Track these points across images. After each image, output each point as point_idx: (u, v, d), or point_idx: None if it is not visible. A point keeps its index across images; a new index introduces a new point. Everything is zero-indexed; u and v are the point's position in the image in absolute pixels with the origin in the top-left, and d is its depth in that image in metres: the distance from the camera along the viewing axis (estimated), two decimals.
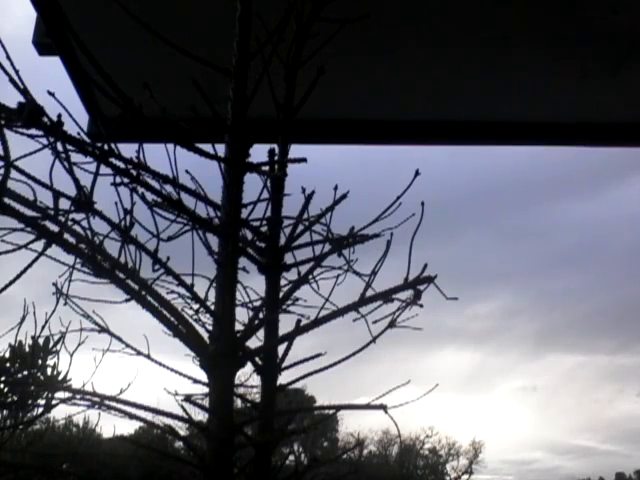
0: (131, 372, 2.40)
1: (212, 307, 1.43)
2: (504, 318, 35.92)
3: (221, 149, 1.41)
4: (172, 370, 1.47)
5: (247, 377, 1.58)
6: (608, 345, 38.72)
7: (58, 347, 3.66)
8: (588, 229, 37.71)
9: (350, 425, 26.95)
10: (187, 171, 1.45)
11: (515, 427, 37.81)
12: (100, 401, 1.37)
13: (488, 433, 36.82)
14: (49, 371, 3.68)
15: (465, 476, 24.96)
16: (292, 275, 1.58)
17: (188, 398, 1.44)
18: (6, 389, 3.73)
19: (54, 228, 1.18)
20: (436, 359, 33.60)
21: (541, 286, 36.15)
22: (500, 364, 35.58)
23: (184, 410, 1.43)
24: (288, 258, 1.59)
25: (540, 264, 35.96)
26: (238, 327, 1.43)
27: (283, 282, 1.57)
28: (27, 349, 3.64)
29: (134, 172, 1.27)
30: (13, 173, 1.11)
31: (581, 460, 35.07)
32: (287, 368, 1.52)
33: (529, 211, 34.54)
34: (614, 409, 35.02)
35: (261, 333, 1.50)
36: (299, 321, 1.47)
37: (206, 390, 1.39)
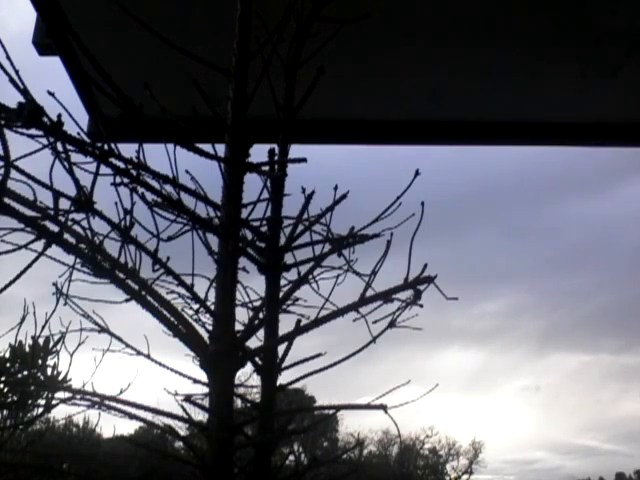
0: (131, 372, 2.41)
1: (212, 307, 1.43)
2: (508, 317, 35.96)
3: (221, 149, 1.41)
4: (172, 370, 1.47)
5: (247, 377, 1.58)
6: (612, 345, 38.72)
7: (58, 347, 3.66)
8: (593, 228, 37.74)
9: (350, 425, 26.96)
10: (187, 171, 1.45)
11: (518, 427, 37.85)
12: (100, 401, 1.37)
13: (491, 433, 36.85)
14: (49, 371, 3.68)
15: (465, 476, 24.97)
16: (292, 275, 1.58)
17: (188, 398, 1.44)
18: (6, 389, 3.73)
19: (54, 228, 1.18)
20: (440, 359, 33.66)
21: (546, 285, 36.22)
22: (504, 364, 35.61)
23: (184, 410, 1.43)
24: (288, 258, 1.58)
25: (545, 263, 36.03)
26: (238, 327, 1.43)
27: (283, 282, 1.57)
28: (27, 349, 3.64)
29: (134, 172, 1.27)
30: (13, 173, 1.10)
31: (583, 460, 35.06)
32: (287, 368, 1.52)
33: (534, 210, 34.57)
34: (618, 409, 35.01)
35: (261, 333, 1.50)
36: (299, 321, 1.47)
37: (206, 390, 1.39)
